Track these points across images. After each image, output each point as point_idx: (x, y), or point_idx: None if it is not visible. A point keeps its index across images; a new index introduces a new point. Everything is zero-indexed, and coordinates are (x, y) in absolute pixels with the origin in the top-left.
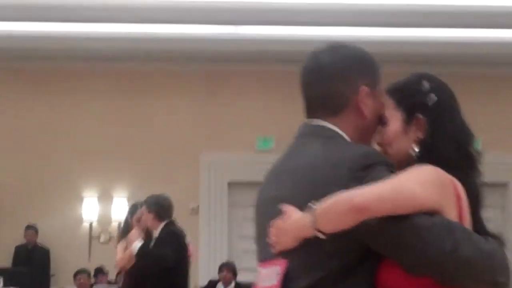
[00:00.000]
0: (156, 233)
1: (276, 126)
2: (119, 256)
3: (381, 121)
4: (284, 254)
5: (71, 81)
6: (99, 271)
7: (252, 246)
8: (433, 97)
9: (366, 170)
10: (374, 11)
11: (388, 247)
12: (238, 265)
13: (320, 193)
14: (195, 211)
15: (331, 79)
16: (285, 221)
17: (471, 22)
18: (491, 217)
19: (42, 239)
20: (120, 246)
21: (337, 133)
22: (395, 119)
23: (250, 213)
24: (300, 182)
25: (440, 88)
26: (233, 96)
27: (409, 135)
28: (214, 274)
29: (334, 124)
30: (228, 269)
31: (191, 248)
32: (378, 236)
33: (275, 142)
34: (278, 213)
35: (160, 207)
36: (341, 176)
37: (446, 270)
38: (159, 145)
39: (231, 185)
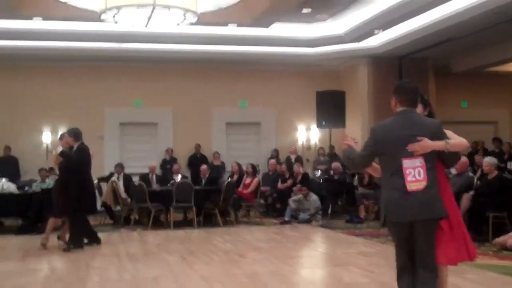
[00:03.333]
0: (74, 147)
1: (141, 93)
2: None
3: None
4: (422, 154)
5: None
6: (51, 169)
7: (133, 155)
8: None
9: (441, 128)
10: None
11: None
12: (125, 164)
13: (436, 136)
14: (102, 138)
15: (417, 93)
16: (426, 142)
17: None
18: (252, 138)
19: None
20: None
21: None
22: (420, 107)
23: (131, 137)
24: (426, 130)
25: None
26: (119, 72)
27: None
28: (112, 169)
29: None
30: (120, 166)
31: (92, 154)
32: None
33: (142, 102)
34: (416, 140)
35: (76, 134)
36: (438, 130)
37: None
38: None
39: (122, 124)
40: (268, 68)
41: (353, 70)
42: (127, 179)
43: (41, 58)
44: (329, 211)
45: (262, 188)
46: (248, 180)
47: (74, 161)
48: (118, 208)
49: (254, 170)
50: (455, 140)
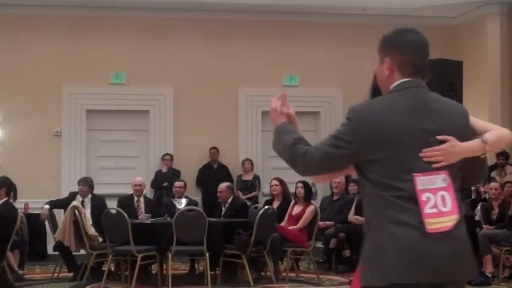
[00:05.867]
0: None
1: (127, 63)
2: None
3: None
4: (446, 167)
5: None
6: None
7: (107, 164)
8: None
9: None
10: None
11: None
12: (95, 180)
13: (465, 130)
14: (58, 135)
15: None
16: (456, 146)
17: None
18: (307, 139)
19: None
20: None
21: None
22: None
23: (106, 136)
24: (450, 121)
25: None
26: (93, 36)
27: None
28: (75, 187)
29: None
30: (84, 183)
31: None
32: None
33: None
34: (435, 141)
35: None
36: (467, 121)
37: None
38: (28, 77)
39: (89, 112)
40: (332, 23)
41: (478, 25)
42: (98, 204)
43: None
44: None
45: (322, 223)
46: (297, 209)
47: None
48: (83, 251)
49: (309, 192)
50: (495, 134)
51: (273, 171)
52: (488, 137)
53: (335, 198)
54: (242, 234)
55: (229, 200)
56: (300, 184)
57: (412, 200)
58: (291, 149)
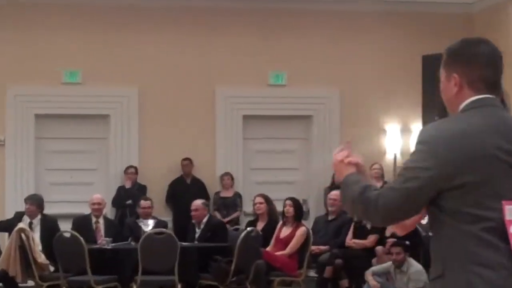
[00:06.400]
0: None
1: (83, 59)
2: None
3: None
4: None
5: None
6: None
7: (60, 178)
8: None
9: None
10: None
11: None
12: (46, 198)
13: None
14: (1, 144)
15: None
16: None
17: None
18: (296, 148)
19: None
20: None
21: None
22: None
23: (58, 145)
24: None
25: None
26: (40, 29)
27: None
28: (21, 206)
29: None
30: (32, 202)
31: None
32: None
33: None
34: None
35: None
36: None
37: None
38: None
39: (38, 117)
40: (327, 10)
41: (498, 12)
42: (49, 226)
43: None
44: None
45: (315, 248)
46: (286, 231)
47: None
48: (31, 283)
49: (299, 211)
50: None
51: (257, 187)
52: None
53: (330, 218)
54: (220, 261)
55: (205, 220)
56: (289, 202)
57: (501, 234)
58: (361, 199)
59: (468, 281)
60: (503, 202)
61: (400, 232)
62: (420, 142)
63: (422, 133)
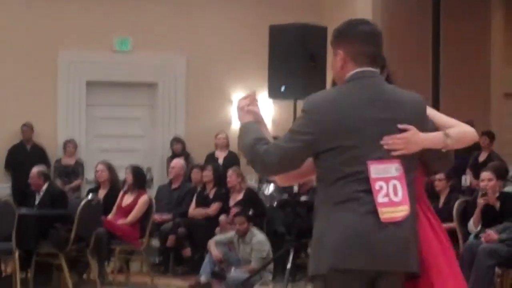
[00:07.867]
0: None
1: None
2: None
3: None
4: (399, 156)
5: None
6: None
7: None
8: None
9: (426, 108)
10: None
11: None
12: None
13: (422, 120)
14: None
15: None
16: (415, 135)
17: None
18: (141, 116)
19: None
20: None
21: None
22: None
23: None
24: (408, 110)
25: None
26: None
27: None
28: None
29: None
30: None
31: None
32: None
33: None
34: (395, 129)
35: None
36: (424, 112)
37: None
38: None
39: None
40: None
41: None
42: None
43: None
44: (289, 264)
45: (157, 217)
46: (128, 199)
47: None
48: None
49: (141, 178)
50: (458, 130)
51: (101, 154)
52: (451, 132)
53: (174, 186)
54: (59, 228)
55: (44, 188)
56: (128, 169)
57: (365, 188)
58: (251, 150)
59: (327, 223)
60: (368, 162)
61: (280, 183)
62: (302, 110)
63: (305, 102)
